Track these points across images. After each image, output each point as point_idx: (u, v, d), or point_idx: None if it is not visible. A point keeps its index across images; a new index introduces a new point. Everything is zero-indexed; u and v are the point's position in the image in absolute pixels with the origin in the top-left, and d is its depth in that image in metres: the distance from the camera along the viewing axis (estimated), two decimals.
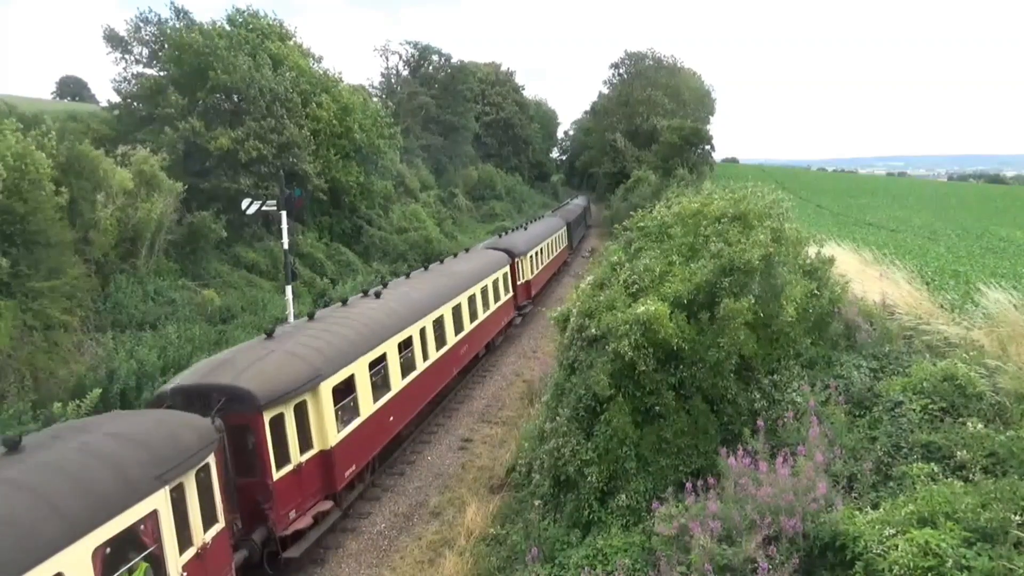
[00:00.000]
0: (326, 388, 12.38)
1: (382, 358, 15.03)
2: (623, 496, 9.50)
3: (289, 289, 20.51)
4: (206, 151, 28.95)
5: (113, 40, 30.72)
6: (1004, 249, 24.13)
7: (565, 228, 43.88)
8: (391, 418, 15.28)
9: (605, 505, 9.71)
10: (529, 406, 18.55)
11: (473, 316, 21.98)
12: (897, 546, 6.00)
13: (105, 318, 21.40)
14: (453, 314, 20.02)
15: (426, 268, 23.05)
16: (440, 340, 18.79)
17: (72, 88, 64.47)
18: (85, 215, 21.05)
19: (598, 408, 10.09)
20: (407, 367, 16.43)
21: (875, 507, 7.08)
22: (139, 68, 31.33)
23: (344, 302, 16.80)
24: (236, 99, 30.83)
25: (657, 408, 9.87)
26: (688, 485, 8.42)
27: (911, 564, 5.76)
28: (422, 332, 17.45)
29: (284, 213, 20.82)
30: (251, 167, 30.03)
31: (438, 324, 18.77)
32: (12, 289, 17.86)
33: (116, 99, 31.09)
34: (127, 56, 31.06)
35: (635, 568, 8.07)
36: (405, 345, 16.41)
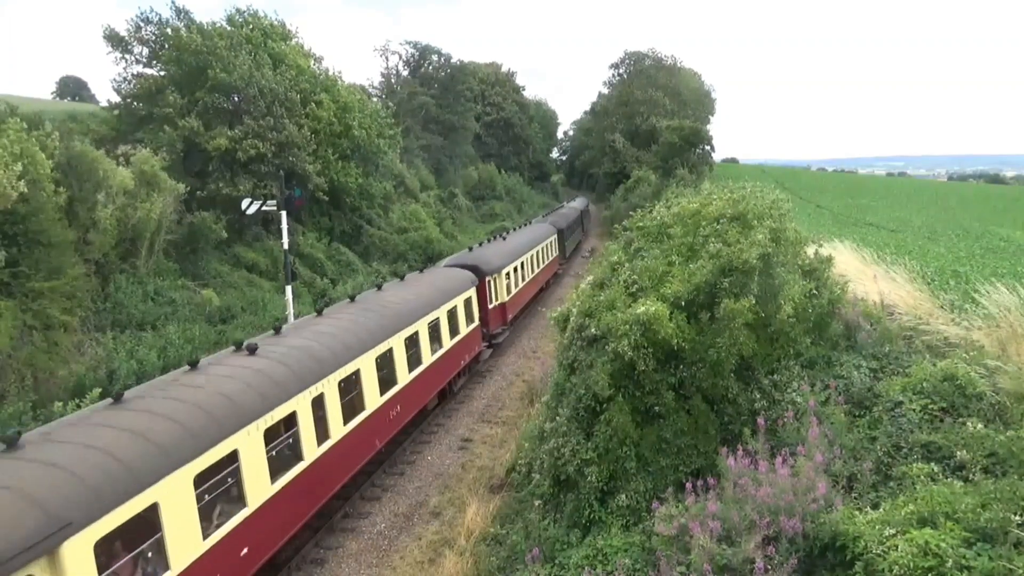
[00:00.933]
0: (79, 547, 7.13)
1: (230, 459, 9.60)
2: (623, 496, 9.50)
3: (289, 289, 20.55)
4: (205, 151, 28.98)
5: (113, 40, 30.76)
6: (1004, 249, 24.13)
7: (555, 236, 39.10)
8: (245, 550, 9.80)
9: (605, 505, 9.71)
10: (529, 406, 18.55)
11: (414, 362, 16.43)
12: (897, 546, 6.00)
13: (105, 318, 21.43)
14: (379, 365, 14.51)
15: (352, 300, 17.00)
16: (353, 406, 13.30)
17: (72, 88, 64.60)
18: (83, 216, 21.07)
19: (598, 408, 10.09)
20: (285, 461, 11.06)
21: (875, 507, 7.08)
22: (139, 68, 31.40)
23: (193, 365, 11.25)
24: (236, 99, 30.86)
25: (657, 408, 9.87)
26: (688, 485, 8.41)
27: (911, 564, 5.75)
28: (317, 402, 12.00)
29: (284, 213, 20.86)
30: (250, 166, 30.06)
31: (350, 384, 13.24)
32: (12, 289, 17.88)
33: (116, 99, 31.14)
34: (127, 56, 31.11)
35: (635, 568, 8.07)
36: (285, 426, 11.13)
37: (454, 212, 56.74)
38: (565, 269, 44.07)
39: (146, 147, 25.66)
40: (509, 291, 26.34)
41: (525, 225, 40.62)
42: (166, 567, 8.36)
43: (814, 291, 11.11)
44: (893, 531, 6.23)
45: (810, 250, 12.59)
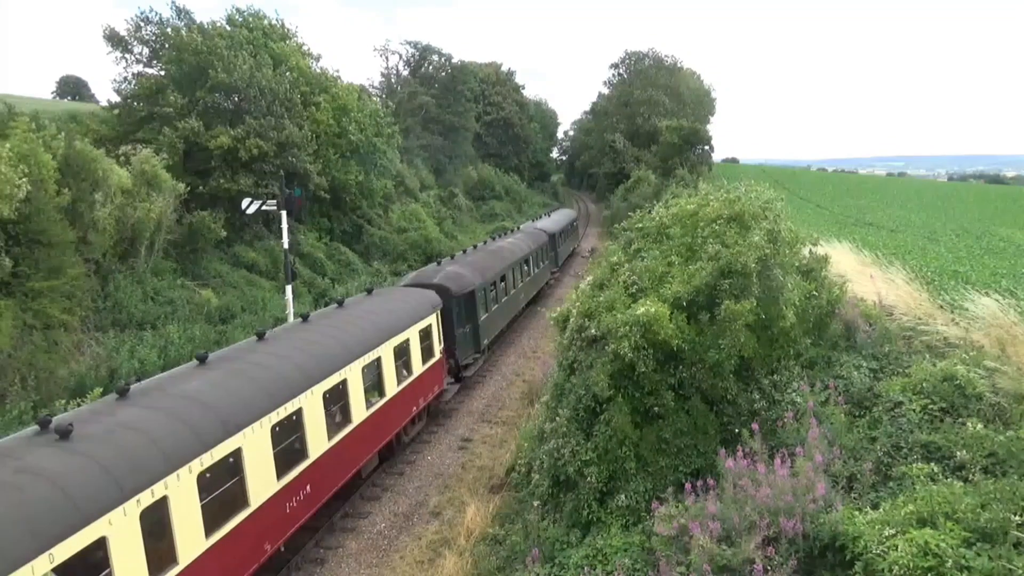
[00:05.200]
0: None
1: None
2: (623, 496, 9.51)
3: (289, 289, 20.56)
4: (206, 150, 28.99)
5: (114, 40, 30.76)
6: (1004, 249, 24.12)
7: (435, 318, 17.69)
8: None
9: (605, 505, 9.71)
10: (529, 406, 18.55)
11: None
12: (897, 546, 6.00)
13: (105, 318, 21.44)
14: None
15: None
16: None
17: (72, 88, 64.61)
18: (86, 216, 21.07)
19: (598, 408, 10.09)
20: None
21: (875, 507, 7.09)
22: (139, 68, 31.39)
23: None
24: (236, 99, 30.87)
25: (657, 408, 9.87)
26: (688, 485, 8.43)
27: (911, 564, 5.76)
28: None
29: (284, 213, 20.87)
30: (251, 165, 30.07)
31: None
32: (12, 289, 17.89)
33: (116, 99, 31.13)
34: (127, 56, 31.11)
35: (635, 568, 8.08)
36: None
37: (454, 212, 56.79)
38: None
39: (147, 147, 25.67)
40: None
41: (365, 296, 17.31)
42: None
43: (814, 292, 11.11)
44: (893, 531, 6.24)
45: (805, 250, 12.56)
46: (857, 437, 8.74)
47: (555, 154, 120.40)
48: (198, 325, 23.03)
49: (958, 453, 7.63)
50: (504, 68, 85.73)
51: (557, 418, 10.71)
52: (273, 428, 10.64)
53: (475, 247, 28.25)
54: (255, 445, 10.05)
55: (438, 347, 18.04)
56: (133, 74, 31.13)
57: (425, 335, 17.13)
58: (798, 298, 10.08)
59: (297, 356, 12.21)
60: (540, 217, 46.59)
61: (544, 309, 19.36)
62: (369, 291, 17.57)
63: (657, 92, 71.95)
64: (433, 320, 17.81)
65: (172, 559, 8.26)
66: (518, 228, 38.12)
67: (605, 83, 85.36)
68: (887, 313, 12.64)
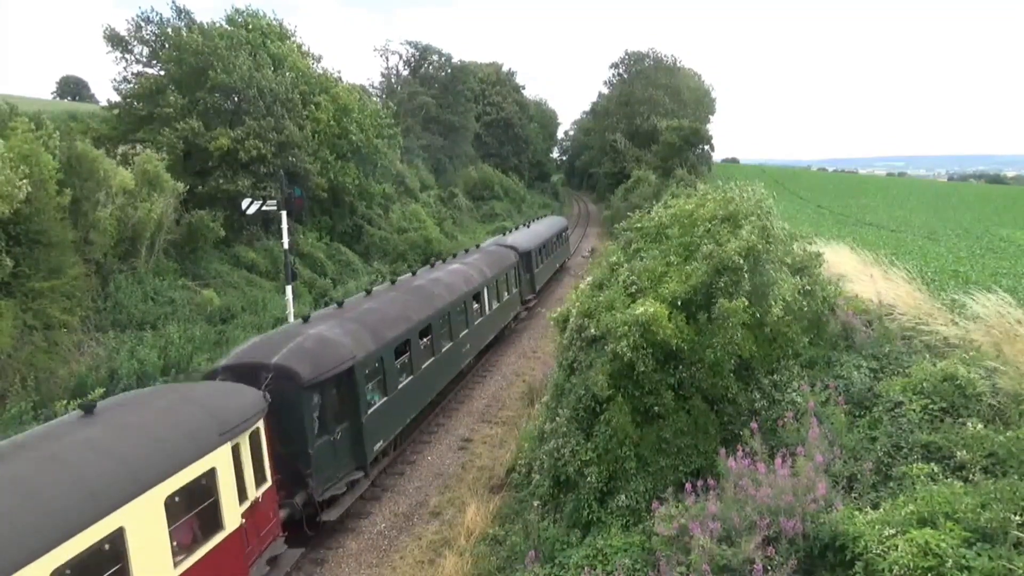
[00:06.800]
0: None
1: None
2: (623, 496, 9.50)
3: (289, 289, 20.56)
4: (205, 151, 28.99)
5: (114, 40, 30.73)
6: (1004, 249, 24.10)
7: (229, 452, 9.32)
8: None
9: (605, 505, 9.71)
10: (529, 406, 18.55)
11: None
12: (897, 546, 6.00)
13: (105, 318, 21.43)
14: None
15: None
16: None
17: (72, 88, 64.74)
18: (89, 215, 21.07)
19: (598, 408, 10.09)
20: None
21: (875, 507, 7.08)
22: (139, 68, 31.37)
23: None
24: (236, 99, 30.86)
25: (657, 408, 9.87)
26: (688, 485, 8.42)
27: (911, 564, 5.76)
28: None
29: (284, 213, 20.86)
30: (251, 166, 30.06)
31: None
32: (12, 289, 17.88)
33: (116, 99, 31.11)
34: (127, 56, 31.08)
35: (635, 568, 8.07)
36: None
37: (454, 212, 56.79)
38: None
39: (147, 147, 25.67)
40: None
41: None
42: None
43: (807, 287, 11.08)
44: (893, 531, 6.23)
45: (798, 247, 12.53)
46: (857, 437, 8.73)
47: (555, 154, 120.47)
48: (198, 325, 23.03)
49: (958, 453, 7.62)
50: (504, 68, 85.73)
51: (557, 418, 10.71)
52: None
53: (392, 282, 19.71)
54: None
55: (242, 502, 9.74)
56: (133, 74, 31.10)
57: (199, 492, 8.76)
58: (788, 293, 10.06)
59: None
60: (513, 229, 37.78)
61: (546, 310, 19.14)
62: (89, 409, 8.55)
63: (657, 92, 71.93)
64: (226, 456, 9.29)
65: None
66: (477, 247, 29.99)
67: (605, 83, 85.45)
68: (887, 313, 12.63)
